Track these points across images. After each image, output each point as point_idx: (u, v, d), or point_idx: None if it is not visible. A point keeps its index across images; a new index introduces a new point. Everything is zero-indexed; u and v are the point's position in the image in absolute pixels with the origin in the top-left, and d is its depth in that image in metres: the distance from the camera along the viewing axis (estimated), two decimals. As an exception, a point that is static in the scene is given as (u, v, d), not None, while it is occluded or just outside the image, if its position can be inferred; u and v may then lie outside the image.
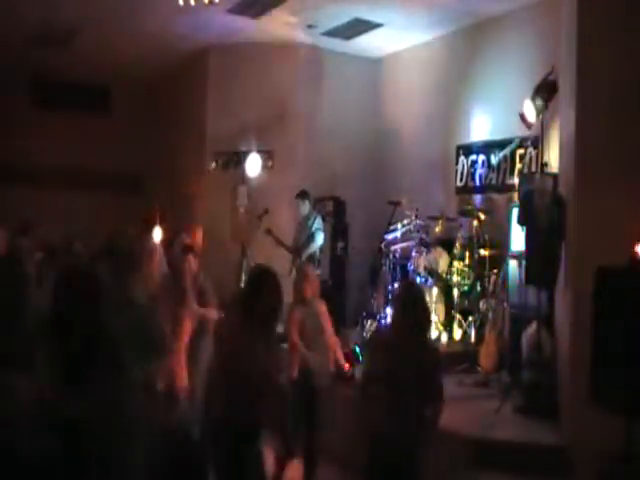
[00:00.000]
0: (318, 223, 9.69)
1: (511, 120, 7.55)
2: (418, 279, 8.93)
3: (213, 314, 7.17)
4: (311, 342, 6.00)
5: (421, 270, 8.91)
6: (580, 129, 5.29)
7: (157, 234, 12.15)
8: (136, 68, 13.05)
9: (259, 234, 10.12)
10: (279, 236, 9.75)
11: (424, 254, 8.93)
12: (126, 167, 14.04)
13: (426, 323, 4.92)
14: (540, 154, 7.04)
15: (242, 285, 9.40)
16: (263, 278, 4.77)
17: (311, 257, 9.53)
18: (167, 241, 11.03)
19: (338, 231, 10.76)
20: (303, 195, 9.85)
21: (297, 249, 9.61)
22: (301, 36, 10.98)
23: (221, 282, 8.27)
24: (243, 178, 11.01)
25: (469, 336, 8.17)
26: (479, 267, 8.26)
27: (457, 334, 8.39)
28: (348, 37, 10.92)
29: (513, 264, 7.67)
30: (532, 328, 6.53)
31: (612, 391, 4.17)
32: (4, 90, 12.81)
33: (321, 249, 9.79)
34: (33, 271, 4.90)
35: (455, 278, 8.50)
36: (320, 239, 9.65)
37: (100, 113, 14.10)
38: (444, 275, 8.64)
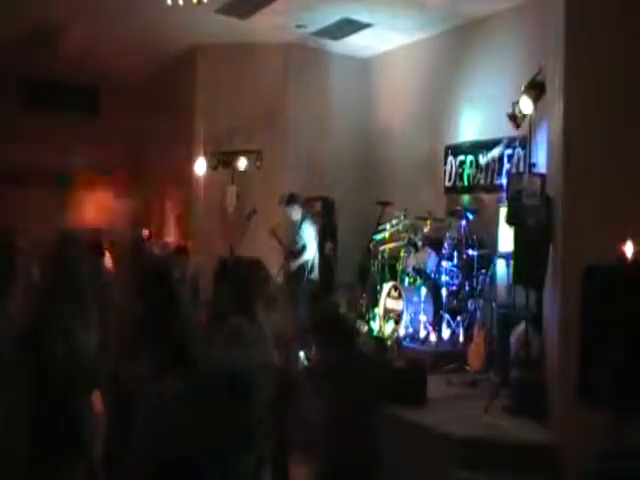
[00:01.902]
0: (309, 233, 9.60)
1: (499, 120, 7.55)
2: (407, 279, 8.95)
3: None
4: None
5: (410, 270, 8.92)
6: (568, 129, 5.30)
7: (146, 235, 12.14)
8: (124, 68, 12.98)
9: (248, 234, 10.10)
10: (282, 238, 9.76)
11: (413, 254, 8.94)
12: (114, 168, 13.99)
13: None
14: (528, 154, 7.05)
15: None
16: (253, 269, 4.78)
17: (302, 266, 9.50)
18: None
19: (327, 231, 10.73)
20: (291, 200, 9.76)
21: (292, 254, 9.57)
22: (290, 36, 10.96)
23: (210, 282, 8.24)
24: (232, 178, 10.98)
25: (457, 336, 8.18)
26: (467, 267, 8.27)
27: (445, 334, 8.38)
28: (337, 37, 10.91)
29: (501, 264, 7.69)
30: (520, 328, 6.53)
31: (600, 389, 4.17)
32: (-8, 91, 12.75)
33: (312, 261, 9.66)
34: None
35: (443, 278, 8.49)
36: (310, 252, 9.59)
37: (88, 113, 14.04)
38: (432, 275, 8.63)
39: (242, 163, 10.77)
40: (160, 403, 3.09)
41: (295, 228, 9.77)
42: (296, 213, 9.73)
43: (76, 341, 3.52)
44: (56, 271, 3.69)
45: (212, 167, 11.12)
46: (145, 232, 12.46)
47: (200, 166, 11.21)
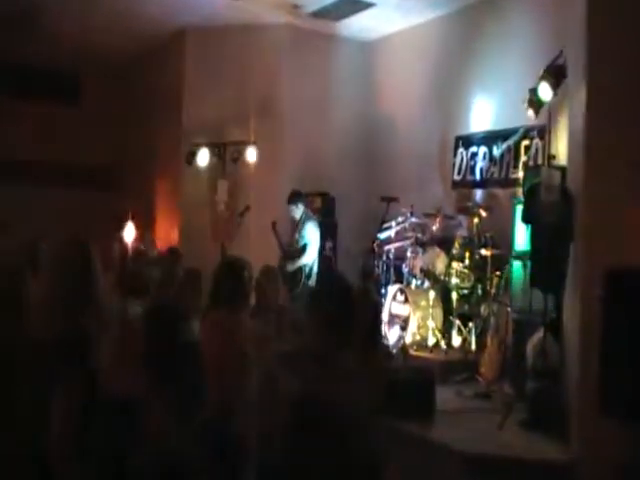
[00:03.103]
0: (311, 235, 9.58)
1: (515, 108, 7.54)
2: (414, 281, 8.94)
3: None
4: None
5: (417, 272, 8.92)
6: (591, 118, 5.25)
7: (129, 232, 12.11)
8: (107, 52, 12.95)
9: (240, 233, 10.09)
10: (281, 235, 9.76)
11: (420, 254, 8.97)
12: (96, 159, 13.97)
13: None
14: (547, 145, 7.03)
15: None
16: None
17: (300, 269, 9.46)
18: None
19: (326, 230, 10.71)
20: (295, 198, 9.74)
21: (289, 255, 9.54)
22: (286, 17, 10.94)
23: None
24: (223, 172, 10.96)
25: (469, 343, 8.18)
26: (480, 268, 8.28)
27: (456, 341, 8.39)
28: (337, 18, 10.90)
29: (517, 265, 7.67)
30: (538, 335, 6.52)
31: (624, 402, 4.16)
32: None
33: (311, 265, 9.63)
34: None
35: (454, 280, 8.49)
36: (310, 256, 9.56)
37: (67, 101, 14.00)
38: (442, 277, 8.63)
39: (234, 155, 10.75)
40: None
41: (296, 227, 9.75)
42: (298, 212, 9.72)
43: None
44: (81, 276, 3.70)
45: (201, 160, 11.10)
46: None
47: (189, 158, 11.18)
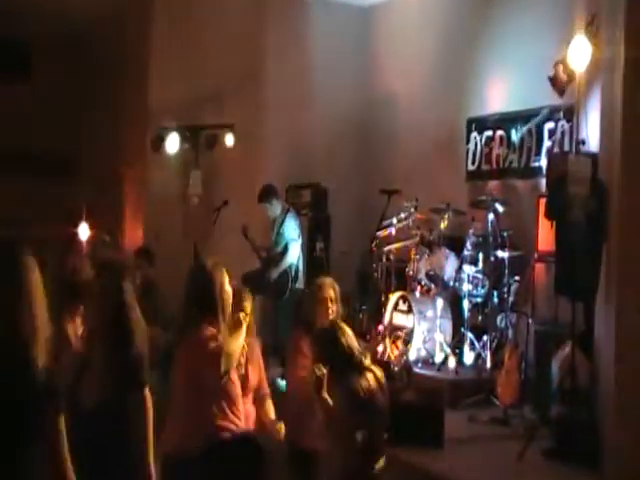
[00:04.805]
0: (291, 230, 9.53)
1: (537, 85, 7.52)
2: (419, 287, 8.92)
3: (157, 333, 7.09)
4: None
5: (422, 276, 8.90)
6: (628, 96, 5.24)
7: (84, 231, 12.06)
8: (61, 18, 12.89)
9: (216, 231, 10.05)
10: (255, 240, 9.71)
11: (426, 256, 8.95)
12: (48, 145, 13.92)
13: None
14: (575, 128, 7.02)
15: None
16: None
17: (285, 273, 9.40)
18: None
19: (317, 227, 10.70)
20: (267, 195, 9.67)
21: (270, 261, 9.49)
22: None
23: (168, 291, 8.20)
24: (197, 160, 10.92)
25: (484, 360, 8.15)
26: (496, 273, 8.25)
27: (468, 358, 8.37)
28: (331, -20, 10.91)
29: (540, 269, 7.67)
30: (565, 350, 6.52)
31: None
32: None
33: (296, 265, 9.59)
34: None
35: (465, 286, 8.47)
36: (294, 254, 9.50)
37: (16, 77, 13.94)
38: (451, 283, 8.62)
39: (209, 141, 10.71)
40: None
41: (275, 227, 9.69)
42: (274, 209, 9.66)
43: None
44: None
45: (171, 146, 11.06)
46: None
47: (156, 144, 11.12)
